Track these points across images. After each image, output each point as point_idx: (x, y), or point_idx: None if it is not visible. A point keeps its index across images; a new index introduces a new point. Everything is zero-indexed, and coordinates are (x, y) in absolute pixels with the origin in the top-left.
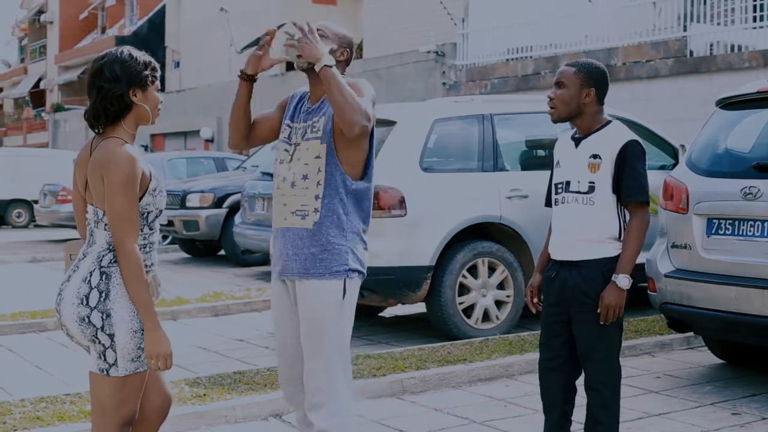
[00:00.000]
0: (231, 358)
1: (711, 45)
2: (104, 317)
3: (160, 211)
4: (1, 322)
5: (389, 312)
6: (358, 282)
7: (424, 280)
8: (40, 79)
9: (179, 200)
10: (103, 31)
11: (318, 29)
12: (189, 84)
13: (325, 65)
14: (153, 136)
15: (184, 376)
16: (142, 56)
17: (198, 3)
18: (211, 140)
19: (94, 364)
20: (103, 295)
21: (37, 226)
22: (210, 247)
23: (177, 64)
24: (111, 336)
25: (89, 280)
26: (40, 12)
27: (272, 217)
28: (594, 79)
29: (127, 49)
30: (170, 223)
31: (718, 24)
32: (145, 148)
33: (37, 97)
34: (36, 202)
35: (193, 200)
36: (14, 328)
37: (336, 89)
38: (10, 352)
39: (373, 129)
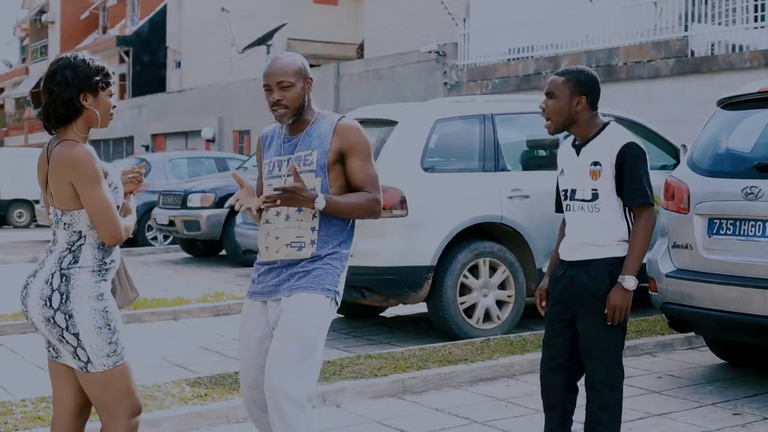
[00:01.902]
0: (232, 358)
1: (712, 45)
2: (67, 318)
3: (118, 207)
4: (2, 322)
5: (390, 312)
6: (335, 308)
7: (426, 280)
8: (41, 80)
9: (180, 200)
10: (105, 31)
11: (280, 81)
12: (190, 84)
13: (323, 208)
14: (154, 136)
15: (186, 376)
16: (95, 62)
17: (199, 3)
18: (212, 140)
19: (72, 364)
20: (64, 297)
21: (38, 226)
22: (211, 247)
23: (178, 64)
24: (76, 335)
25: (51, 282)
26: (42, 12)
27: (260, 250)
28: (583, 86)
29: (82, 55)
30: (171, 223)
31: (720, 24)
32: (146, 147)
33: (38, 97)
34: (37, 202)
35: (194, 200)
36: (15, 328)
37: (347, 215)
38: (11, 352)
39: None
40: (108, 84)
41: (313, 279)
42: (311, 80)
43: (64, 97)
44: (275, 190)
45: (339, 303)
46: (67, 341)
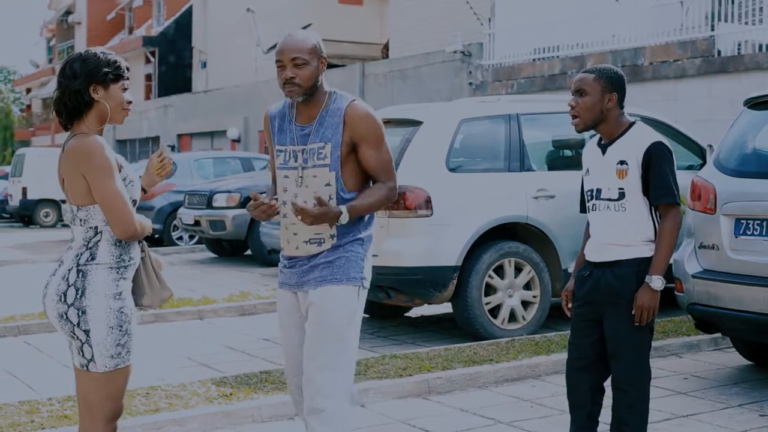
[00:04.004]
0: (257, 358)
1: (739, 44)
2: (80, 314)
3: (135, 202)
4: (29, 322)
5: (415, 312)
6: (366, 292)
7: (451, 280)
8: None
9: (206, 200)
10: (131, 31)
11: (294, 58)
12: (216, 84)
13: (347, 221)
14: (180, 136)
15: (211, 375)
16: (108, 56)
17: (225, 3)
18: (238, 140)
19: (76, 360)
20: (79, 292)
21: (64, 225)
22: (236, 247)
23: (204, 65)
24: (87, 332)
25: (67, 278)
26: (68, 13)
27: (281, 242)
28: (614, 83)
29: (94, 49)
30: (197, 223)
31: (746, 23)
32: (172, 147)
33: None
34: (63, 201)
35: (219, 200)
36: (42, 327)
37: (370, 213)
38: (38, 351)
39: None
40: (120, 77)
41: (338, 269)
42: (325, 60)
43: (72, 89)
44: (298, 210)
45: (368, 287)
46: (77, 337)
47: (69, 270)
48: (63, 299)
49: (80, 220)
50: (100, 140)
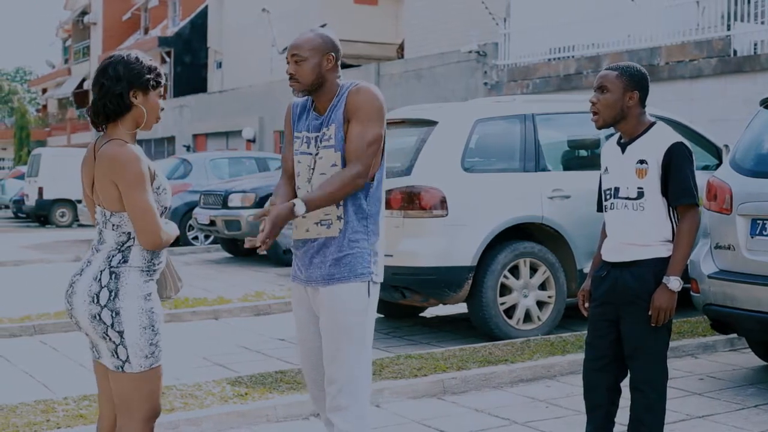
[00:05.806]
0: (272, 358)
1: (755, 44)
2: (114, 315)
3: (166, 209)
4: (44, 321)
5: (430, 312)
6: (378, 286)
7: (466, 280)
8: (83, 80)
9: (221, 200)
10: (146, 32)
11: (293, 54)
12: (231, 84)
13: (304, 211)
14: (195, 136)
15: (226, 375)
16: (148, 61)
17: (240, 4)
18: (253, 140)
19: (109, 362)
20: (113, 294)
21: (80, 225)
22: (252, 247)
23: (219, 65)
24: (120, 333)
25: (99, 279)
26: (84, 13)
27: (293, 228)
28: (636, 81)
29: (134, 53)
30: (212, 223)
31: (762, 23)
32: (188, 148)
33: (81, 97)
34: (79, 201)
35: (235, 200)
36: (58, 326)
37: (334, 202)
38: (53, 351)
39: (384, 133)
40: (158, 84)
41: (345, 267)
42: (332, 57)
43: (114, 92)
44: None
45: (378, 280)
46: (110, 338)
47: (101, 271)
48: (96, 300)
49: (113, 225)
50: (135, 150)
